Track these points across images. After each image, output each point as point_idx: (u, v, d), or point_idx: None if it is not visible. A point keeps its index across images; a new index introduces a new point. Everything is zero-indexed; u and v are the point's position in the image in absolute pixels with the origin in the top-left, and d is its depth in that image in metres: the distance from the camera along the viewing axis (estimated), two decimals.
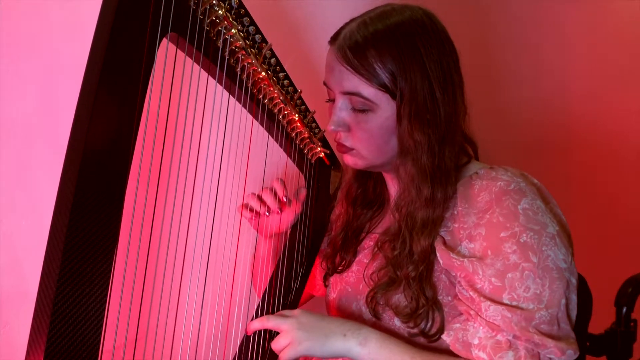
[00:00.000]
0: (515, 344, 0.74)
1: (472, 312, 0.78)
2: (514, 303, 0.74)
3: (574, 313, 0.77)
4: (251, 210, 1.02)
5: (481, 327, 0.77)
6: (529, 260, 0.74)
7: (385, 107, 0.81)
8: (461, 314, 0.81)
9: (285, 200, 1.02)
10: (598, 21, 1.82)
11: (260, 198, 1.02)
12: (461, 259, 0.79)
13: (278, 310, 0.93)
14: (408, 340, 0.83)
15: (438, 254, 0.82)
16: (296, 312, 0.84)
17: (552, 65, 1.76)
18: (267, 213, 1.02)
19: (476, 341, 0.76)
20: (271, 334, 0.91)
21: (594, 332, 1.07)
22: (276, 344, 0.82)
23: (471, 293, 0.78)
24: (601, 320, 1.09)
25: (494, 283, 0.76)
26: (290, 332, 0.81)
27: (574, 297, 0.77)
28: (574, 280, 0.77)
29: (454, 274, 0.81)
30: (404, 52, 0.78)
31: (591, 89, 1.82)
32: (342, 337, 0.81)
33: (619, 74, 1.86)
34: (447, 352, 0.80)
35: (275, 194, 1.01)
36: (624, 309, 1.06)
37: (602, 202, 1.86)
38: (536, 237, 0.75)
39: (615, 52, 1.84)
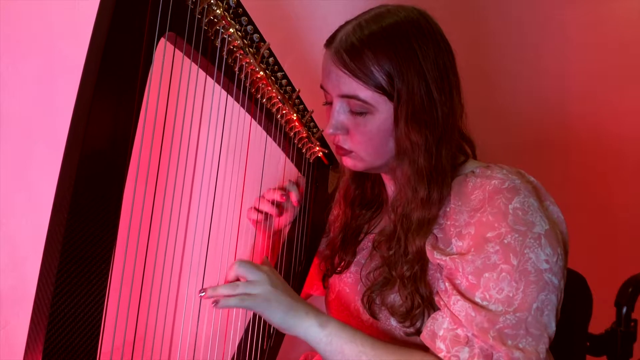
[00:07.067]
0: (472, 341, 0.74)
1: (442, 303, 0.79)
2: (484, 303, 0.74)
3: (551, 316, 0.75)
4: (260, 212, 1.02)
5: (447, 319, 0.77)
6: (509, 262, 0.74)
7: (383, 109, 0.81)
8: None
9: (284, 197, 1.02)
10: (598, 21, 1.82)
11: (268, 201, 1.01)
12: (444, 257, 0.79)
13: None
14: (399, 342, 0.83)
15: (427, 253, 0.82)
16: (266, 267, 0.80)
17: (552, 65, 1.76)
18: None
19: (441, 332, 0.77)
20: (270, 334, 0.91)
21: (594, 332, 1.07)
22: (238, 288, 0.76)
23: (447, 285, 0.79)
24: (601, 320, 1.09)
25: (470, 280, 0.76)
26: (262, 285, 0.77)
27: (553, 299, 0.75)
28: (556, 281, 0.75)
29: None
30: (400, 53, 0.78)
31: (590, 88, 1.82)
32: (304, 314, 0.78)
33: (619, 74, 1.85)
34: (416, 347, 0.81)
35: (275, 201, 1.01)
36: (624, 309, 1.06)
37: (602, 202, 1.86)
38: (520, 239, 0.75)
39: (615, 52, 1.84)
